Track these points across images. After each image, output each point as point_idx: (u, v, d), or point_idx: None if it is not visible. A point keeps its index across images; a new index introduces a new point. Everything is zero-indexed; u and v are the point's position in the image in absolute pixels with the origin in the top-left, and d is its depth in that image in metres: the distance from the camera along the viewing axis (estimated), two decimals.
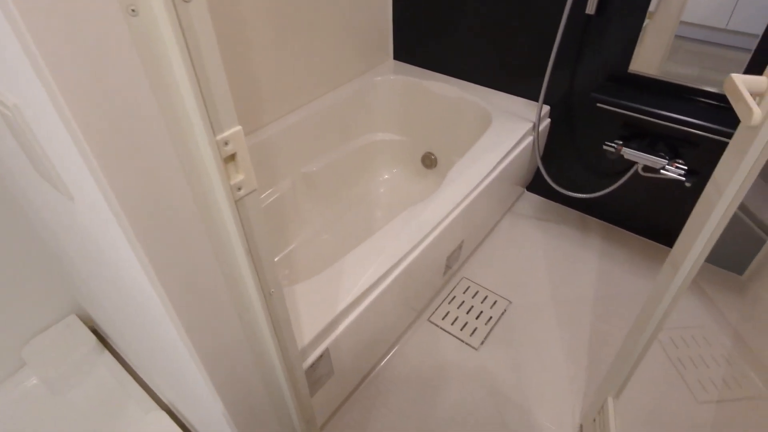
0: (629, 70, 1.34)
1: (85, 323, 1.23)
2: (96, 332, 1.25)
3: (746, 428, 1.11)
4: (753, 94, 0.57)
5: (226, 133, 0.41)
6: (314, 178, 1.59)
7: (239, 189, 0.45)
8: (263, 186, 1.46)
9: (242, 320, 0.58)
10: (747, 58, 1.15)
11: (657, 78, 1.31)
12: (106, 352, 1.20)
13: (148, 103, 0.36)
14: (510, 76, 1.59)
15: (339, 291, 1.00)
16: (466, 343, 1.30)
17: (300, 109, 1.54)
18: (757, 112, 0.51)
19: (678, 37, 1.22)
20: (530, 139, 1.51)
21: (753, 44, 1.13)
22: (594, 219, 1.70)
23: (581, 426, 1.13)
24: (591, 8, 1.30)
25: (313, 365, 0.93)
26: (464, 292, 1.44)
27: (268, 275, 0.55)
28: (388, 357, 1.28)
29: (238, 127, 0.42)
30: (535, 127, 1.49)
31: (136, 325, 0.73)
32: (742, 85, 0.55)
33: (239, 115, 1.35)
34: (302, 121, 1.51)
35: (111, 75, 0.33)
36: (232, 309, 0.56)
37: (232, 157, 0.44)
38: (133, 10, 0.31)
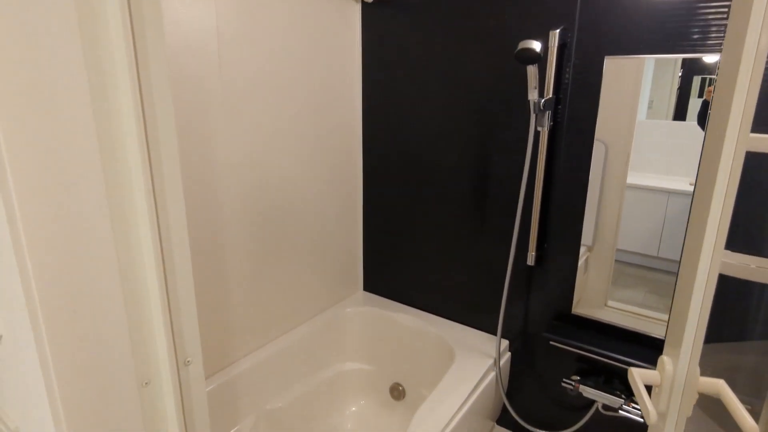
0: (572, 312, 1.49)
1: None
2: None
3: None
4: (650, 385, 0.67)
5: None
6: (279, 414, 1.55)
7: None
8: (224, 428, 1.41)
9: None
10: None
11: (597, 320, 1.45)
12: None
13: None
14: (469, 311, 1.74)
15: None
16: None
17: (270, 344, 1.60)
18: (653, 414, 0.60)
19: (618, 262, 1.39)
20: (493, 374, 1.56)
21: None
22: None
23: None
24: (531, 261, 1.52)
25: None
26: None
27: None
28: None
29: None
30: (496, 362, 1.56)
31: None
32: (640, 381, 0.64)
33: (210, 354, 1.40)
34: (271, 356, 1.55)
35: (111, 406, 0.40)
36: None
37: None
38: (146, 383, 0.40)
